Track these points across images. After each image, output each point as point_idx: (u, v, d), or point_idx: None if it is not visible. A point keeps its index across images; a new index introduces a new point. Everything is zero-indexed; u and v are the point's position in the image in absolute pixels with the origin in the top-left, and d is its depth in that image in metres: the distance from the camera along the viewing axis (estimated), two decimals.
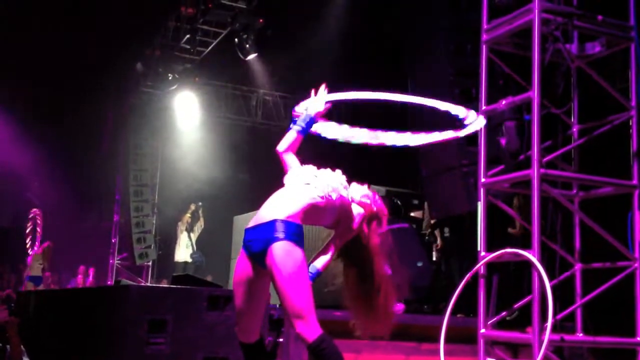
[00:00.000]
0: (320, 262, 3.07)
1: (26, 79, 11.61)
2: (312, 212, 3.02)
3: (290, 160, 3.20)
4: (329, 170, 3.17)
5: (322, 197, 3.02)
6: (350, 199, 3.17)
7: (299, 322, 2.81)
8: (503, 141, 4.22)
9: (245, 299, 3.02)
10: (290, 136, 3.21)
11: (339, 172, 3.17)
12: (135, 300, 4.10)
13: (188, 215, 12.05)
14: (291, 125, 3.23)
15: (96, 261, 12.90)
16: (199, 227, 12.15)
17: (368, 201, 3.23)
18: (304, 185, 3.06)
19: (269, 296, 3.32)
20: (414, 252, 5.83)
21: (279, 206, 2.96)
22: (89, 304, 4.92)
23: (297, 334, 2.85)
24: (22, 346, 4.96)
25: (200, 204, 12.24)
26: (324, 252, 3.11)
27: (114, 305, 4.35)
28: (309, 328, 2.80)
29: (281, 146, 3.20)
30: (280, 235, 2.87)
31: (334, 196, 3.05)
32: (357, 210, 3.20)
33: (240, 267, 3.05)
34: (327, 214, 3.07)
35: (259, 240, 2.93)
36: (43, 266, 10.46)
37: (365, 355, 4.51)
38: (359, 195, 3.22)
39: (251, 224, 3.01)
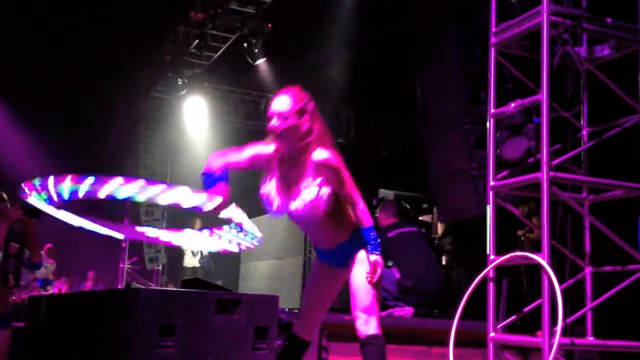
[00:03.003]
0: (365, 220, 3.12)
1: (35, 85, 11.69)
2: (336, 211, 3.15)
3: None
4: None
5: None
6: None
7: (365, 315, 3.07)
8: (526, 143, 4.18)
9: (321, 297, 3.33)
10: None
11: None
12: (145, 303, 4.11)
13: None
14: None
15: (106, 265, 12.96)
16: None
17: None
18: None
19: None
20: (423, 255, 5.82)
21: (334, 234, 3.17)
22: (99, 307, 4.94)
23: (357, 328, 3.09)
24: (41, 251, 4.95)
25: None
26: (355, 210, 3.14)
27: (124, 308, 4.36)
28: (369, 324, 3.07)
29: None
30: (361, 246, 3.13)
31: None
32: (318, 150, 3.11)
33: (319, 269, 3.34)
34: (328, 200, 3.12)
35: (339, 260, 3.22)
36: (52, 268, 10.52)
37: None
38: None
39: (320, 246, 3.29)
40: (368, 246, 3.11)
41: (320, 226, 3.16)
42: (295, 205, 3.09)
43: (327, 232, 3.18)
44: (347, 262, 3.18)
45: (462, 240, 7.27)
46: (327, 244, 3.22)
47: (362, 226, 3.12)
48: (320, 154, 3.04)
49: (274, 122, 3.08)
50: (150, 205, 13.04)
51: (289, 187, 3.13)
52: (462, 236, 7.27)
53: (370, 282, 3.09)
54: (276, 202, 3.16)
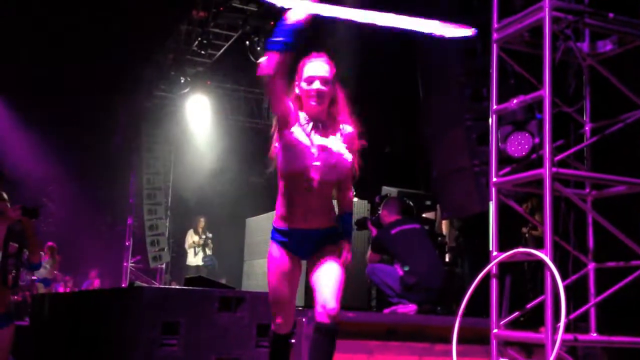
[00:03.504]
0: (346, 205, 3.24)
1: (36, 85, 11.71)
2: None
3: (279, 90, 3.01)
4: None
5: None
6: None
7: (336, 304, 2.99)
8: (531, 140, 4.16)
9: (289, 289, 3.20)
10: (270, 58, 2.93)
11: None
12: (149, 302, 4.13)
13: (197, 239, 12.04)
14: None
15: (110, 264, 12.98)
16: (208, 243, 12.14)
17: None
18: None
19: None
20: (426, 252, 5.82)
21: (324, 214, 3.17)
22: (103, 305, 4.95)
23: (329, 313, 2.99)
24: (41, 252, 4.93)
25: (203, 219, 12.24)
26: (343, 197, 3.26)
27: (127, 307, 4.38)
28: (338, 313, 3.00)
29: (263, 70, 2.93)
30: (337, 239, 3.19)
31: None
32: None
33: (282, 261, 3.19)
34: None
35: (305, 245, 3.18)
36: (52, 266, 10.55)
37: (378, 356, 4.51)
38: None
39: (303, 226, 3.15)
40: (346, 232, 3.21)
41: (324, 194, 3.12)
42: (333, 151, 3.06)
43: (322, 206, 3.14)
44: (311, 250, 3.16)
45: (465, 237, 7.26)
46: (312, 220, 3.13)
47: (347, 210, 3.25)
48: (350, 127, 3.19)
49: (318, 85, 3.10)
50: (154, 204, 13.06)
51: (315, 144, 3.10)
52: (465, 233, 7.27)
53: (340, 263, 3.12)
54: (309, 149, 3.05)
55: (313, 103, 3.10)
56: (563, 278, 3.73)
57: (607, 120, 4.44)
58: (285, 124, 3.07)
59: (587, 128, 4.53)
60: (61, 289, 11.36)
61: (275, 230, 3.21)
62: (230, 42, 11.12)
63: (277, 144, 3.13)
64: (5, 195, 4.52)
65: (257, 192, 11.98)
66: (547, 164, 3.87)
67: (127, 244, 13.33)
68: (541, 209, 3.99)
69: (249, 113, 13.12)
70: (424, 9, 6.80)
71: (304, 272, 3.56)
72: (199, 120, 12.94)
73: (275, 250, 3.19)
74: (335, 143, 3.10)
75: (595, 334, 4.29)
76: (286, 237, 3.17)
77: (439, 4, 6.66)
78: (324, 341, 2.97)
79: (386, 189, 7.36)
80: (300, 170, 3.05)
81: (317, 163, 3.04)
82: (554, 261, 3.76)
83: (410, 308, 5.53)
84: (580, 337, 3.96)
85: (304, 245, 3.18)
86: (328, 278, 3.07)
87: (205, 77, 12.36)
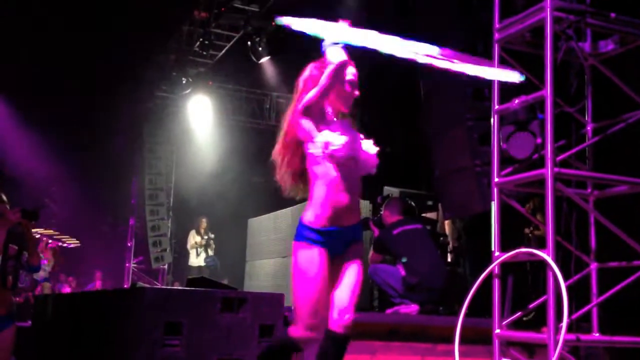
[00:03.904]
0: None
1: (37, 85, 11.72)
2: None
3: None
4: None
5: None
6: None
7: (352, 314, 2.99)
8: (533, 141, 4.16)
9: (328, 293, 3.02)
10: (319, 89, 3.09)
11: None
12: (151, 302, 4.13)
13: (199, 240, 12.03)
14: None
15: (112, 265, 12.99)
16: (210, 244, 12.14)
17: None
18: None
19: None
20: (428, 252, 5.82)
21: (357, 210, 3.16)
22: (105, 306, 4.95)
23: (345, 323, 2.96)
24: (40, 253, 4.95)
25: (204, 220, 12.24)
26: None
27: (129, 307, 4.38)
28: (352, 322, 2.99)
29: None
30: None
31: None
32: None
33: (324, 264, 3.01)
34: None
35: (343, 242, 3.10)
36: (54, 267, 10.56)
37: (380, 356, 4.51)
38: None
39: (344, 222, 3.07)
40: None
41: (358, 188, 3.13)
42: (367, 147, 3.12)
43: (357, 200, 3.14)
44: (346, 246, 3.08)
45: (468, 238, 7.26)
46: (352, 215, 3.08)
47: None
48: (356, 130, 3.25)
49: (357, 91, 3.23)
50: (156, 205, 13.07)
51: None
52: (467, 233, 7.27)
53: None
54: (345, 142, 3.05)
55: (348, 105, 3.22)
56: (565, 278, 3.73)
57: (609, 120, 4.44)
58: (322, 115, 3.14)
59: (588, 128, 4.53)
60: (65, 290, 11.39)
61: (312, 230, 3.00)
62: (231, 43, 11.13)
63: (316, 132, 3.05)
64: (4, 197, 4.53)
65: (259, 192, 11.99)
66: (549, 164, 3.87)
67: (129, 244, 13.34)
68: (543, 209, 3.98)
69: (251, 113, 13.12)
70: (424, 10, 6.82)
71: None
72: (200, 120, 12.96)
73: (314, 252, 2.99)
74: (365, 142, 3.18)
75: (597, 334, 4.29)
76: (328, 237, 3.02)
77: (440, 4, 6.66)
78: (333, 350, 2.93)
79: (388, 189, 7.36)
80: (352, 157, 3.07)
81: (357, 156, 3.10)
82: (556, 261, 3.76)
83: (412, 308, 5.53)
84: (583, 337, 3.97)
85: (342, 242, 3.07)
86: (350, 283, 3.02)
87: (206, 77, 12.36)
